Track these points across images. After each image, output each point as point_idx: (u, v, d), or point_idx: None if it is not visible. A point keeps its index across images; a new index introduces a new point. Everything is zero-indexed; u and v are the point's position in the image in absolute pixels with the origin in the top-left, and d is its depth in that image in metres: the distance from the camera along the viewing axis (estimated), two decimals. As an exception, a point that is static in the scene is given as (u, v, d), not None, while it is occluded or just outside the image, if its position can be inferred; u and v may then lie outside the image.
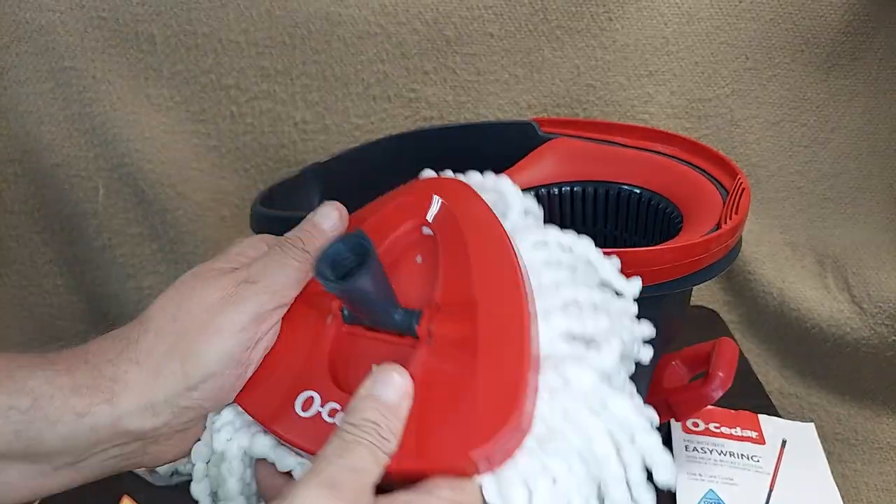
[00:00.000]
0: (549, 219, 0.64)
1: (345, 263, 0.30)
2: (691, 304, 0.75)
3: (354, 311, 0.33)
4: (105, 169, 0.75)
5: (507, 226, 0.34)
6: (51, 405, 0.29)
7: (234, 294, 0.32)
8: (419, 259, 0.34)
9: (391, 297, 0.32)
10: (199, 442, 0.34)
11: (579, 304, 0.32)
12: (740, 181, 0.51)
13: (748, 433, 0.63)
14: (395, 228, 0.35)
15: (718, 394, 0.53)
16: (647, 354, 0.34)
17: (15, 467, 0.30)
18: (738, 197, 0.49)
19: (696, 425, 0.63)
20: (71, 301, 0.81)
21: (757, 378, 0.74)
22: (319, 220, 0.35)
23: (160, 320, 0.32)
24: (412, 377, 0.28)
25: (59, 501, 0.62)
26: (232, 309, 0.32)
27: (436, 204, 0.35)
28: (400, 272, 0.34)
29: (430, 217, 0.35)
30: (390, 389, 0.27)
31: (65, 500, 0.62)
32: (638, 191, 0.60)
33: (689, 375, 0.59)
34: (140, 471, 0.61)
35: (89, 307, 0.82)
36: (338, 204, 0.37)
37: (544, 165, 0.64)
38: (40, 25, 0.69)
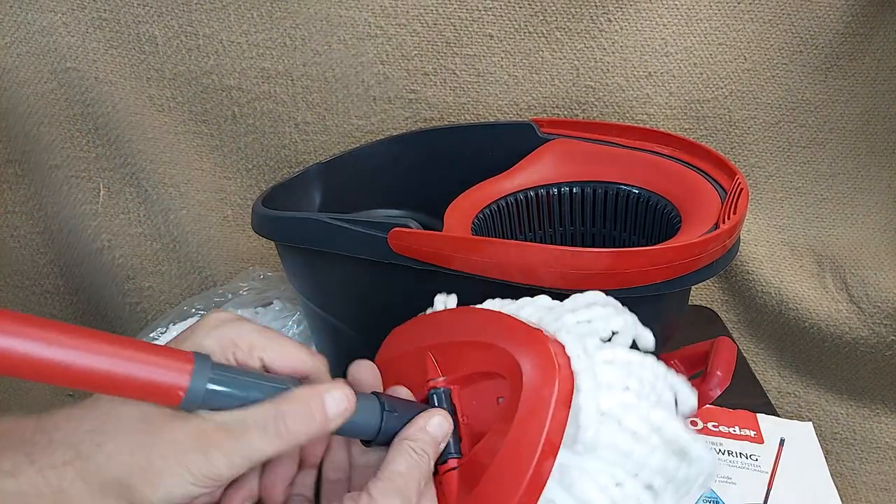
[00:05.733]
0: (548, 219, 0.65)
1: None
2: (690, 303, 0.76)
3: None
4: (107, 170, 0.76)
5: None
6: None
7: None
8: (500, 401, 0.34)
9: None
10: None
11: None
12: (738, 181, 0.51)
13: (746, 432, 0.63)
14: (479, 366, 0.36)
15: (717, 393, 0.53)
16: None
17: None
18: (736, 197, 0.50)
19: (695, 424, 0.63)
20: (71, 301, 0.81)
21: (755, 377, 0.74)
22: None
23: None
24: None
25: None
26: None
27: (515, 365, 0.34)
28: (478, 398, 0.36)
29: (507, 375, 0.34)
30: (440, 430, 0.34)
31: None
32: (637, 191, 0.60)
33: (688, 374, 0.60)
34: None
35: (89, 308, 0.82)
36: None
37: (544, 166, 0.64)
38: (42, 27, 0.69)
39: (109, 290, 0.81)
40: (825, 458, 0.61)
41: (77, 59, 0.71)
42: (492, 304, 0.40)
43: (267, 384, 0.31)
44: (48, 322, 0.27)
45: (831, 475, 0.59)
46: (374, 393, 0.35)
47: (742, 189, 0.50)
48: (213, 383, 0.29)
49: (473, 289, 0.47)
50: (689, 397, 0.35)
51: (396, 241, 0.47)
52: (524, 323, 0.35)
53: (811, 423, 0.65)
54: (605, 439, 0.32)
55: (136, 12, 0.71)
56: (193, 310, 0.73)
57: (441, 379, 0.36)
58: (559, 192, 0.63)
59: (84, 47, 0.71)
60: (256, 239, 0.83)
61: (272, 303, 0.74)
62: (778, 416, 0.66)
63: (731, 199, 0.50)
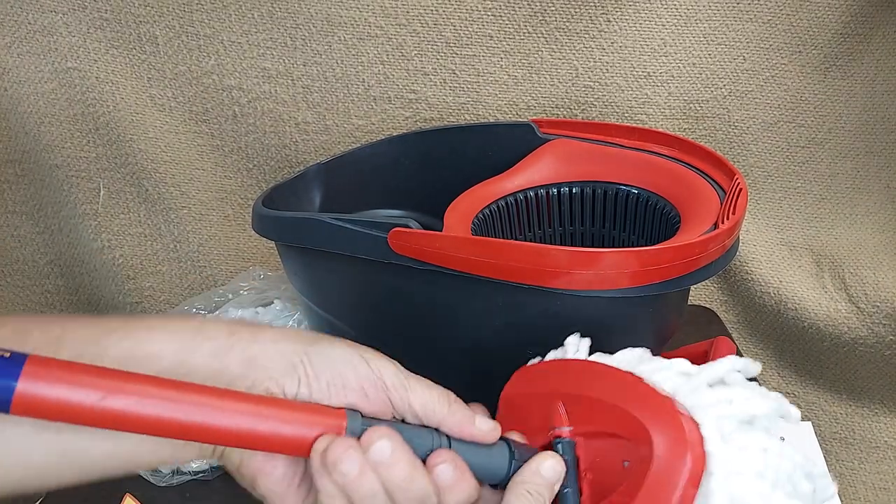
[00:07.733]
0: (548, 219, 0.65)
1: None
2: (689, 303, 0.76)
3: None
4: (107, 169, 0.76)
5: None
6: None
7: None
8: (626, 464, 0.34)
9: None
10: None
11: None
12: (738, 181, 0.51)
13: (746, 431, 0.63)
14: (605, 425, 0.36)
15: (716, 392, 0.53)
16: None
17: None
18: (735, 197, 0.50)
19: (694, 424, 0.63)
20: (72, 301, 0.81)
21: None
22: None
23: None
24: None
25: (62, 500, 0.62)
26: None
27: (648, 441, 0.34)
28: (603, 456, 0.36)
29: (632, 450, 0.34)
30: (553, 473, 0.35)
31: (68, 498, 0.62)
32: (636, 191, 0.60)
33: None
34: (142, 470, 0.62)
35: (90, 309, 0.83)
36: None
37: (543, 166, 0.64)
38: (43, 26, 0.69)
39: (110, 290, 0.81)
40: (825, 457, 0.61)
41: (78, 58, 0.71)
42: (624, 356, 0.39)
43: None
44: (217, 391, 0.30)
45: (830, 475, 0.59)
46: (503, 438, 0.36)
47: (741, 189, 0.50)
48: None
49: (473, 289, 0.48)
50: (827, 488, 0.35)
51: (396, 241, 0.48)
52: (658, 392, 0.35)
53: (810, 422, 0.65)
54: None
55: (137, 12, 0.71)
56: (194, 309, 0.74)
57: (567, 429, 0.36)
58: (559, 192, 0.64)
59: (85, 47, 0.71)
60: (257, 239, 0.83)
61: (272, 303, 0.74)
62: (777, 415, 0.66)
63: (729, 199, 0.50)
